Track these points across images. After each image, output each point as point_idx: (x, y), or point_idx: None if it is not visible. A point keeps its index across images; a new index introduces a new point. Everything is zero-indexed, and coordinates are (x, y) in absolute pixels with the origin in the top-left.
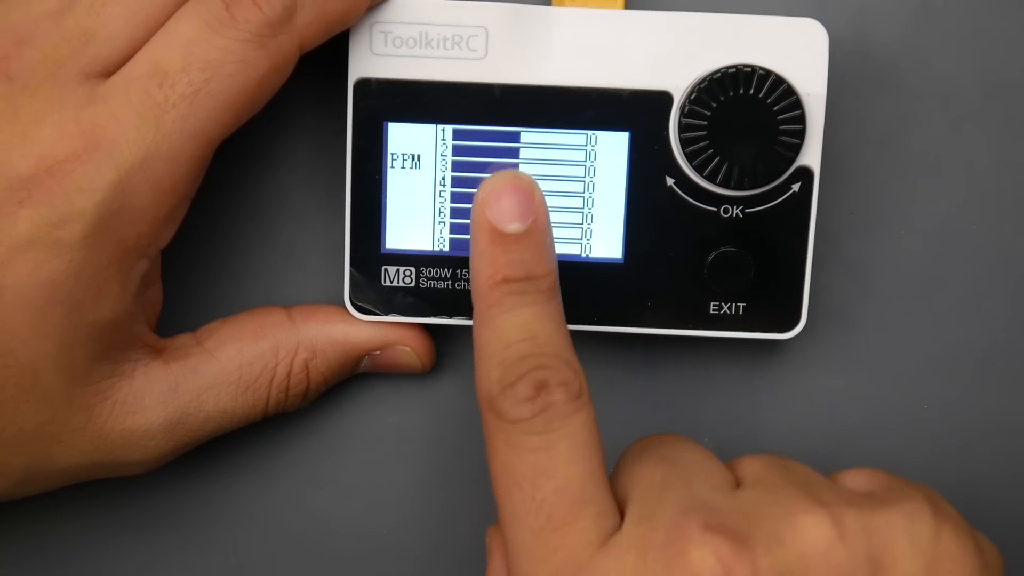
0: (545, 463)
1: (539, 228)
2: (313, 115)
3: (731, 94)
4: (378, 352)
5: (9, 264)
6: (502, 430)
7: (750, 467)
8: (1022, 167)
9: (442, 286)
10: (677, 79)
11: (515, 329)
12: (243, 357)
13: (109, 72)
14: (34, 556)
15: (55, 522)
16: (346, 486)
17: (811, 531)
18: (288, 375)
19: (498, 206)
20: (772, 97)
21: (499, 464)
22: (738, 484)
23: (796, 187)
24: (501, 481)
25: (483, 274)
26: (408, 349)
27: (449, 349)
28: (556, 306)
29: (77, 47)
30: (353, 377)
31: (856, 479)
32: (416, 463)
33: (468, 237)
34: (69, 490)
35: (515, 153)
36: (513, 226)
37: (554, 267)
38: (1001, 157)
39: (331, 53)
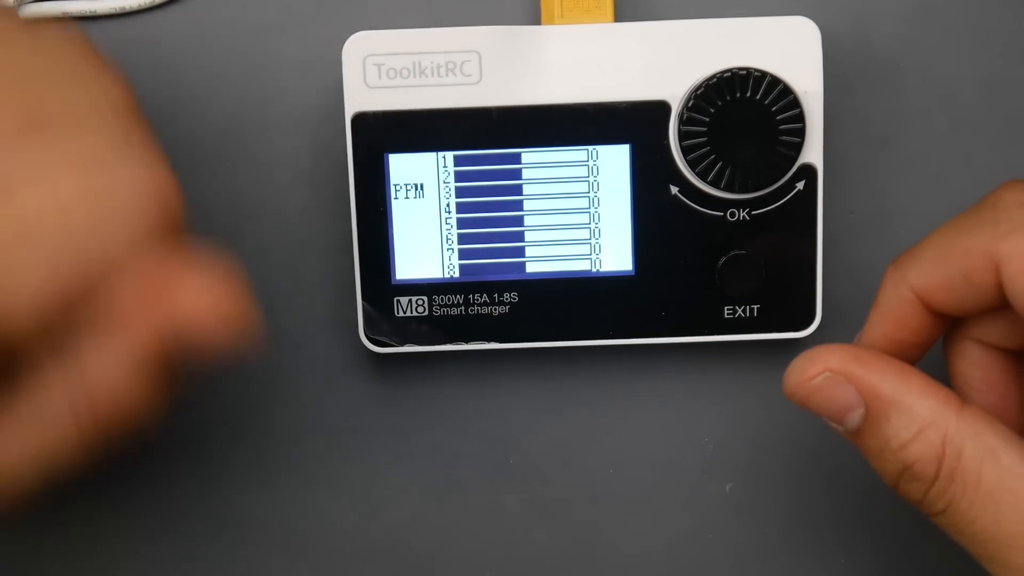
0: None
1: None
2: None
3: (728, 98)
4: None
5: None
6: None
7: None
8: (1022, 167)
9: (455, 312)
10: (673, 88)
11: None
12: None
13: None
14: (36, 558)
15: (57, 524)
16: (346, 486)
17: None
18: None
19: None
20: (769, 97)
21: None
22: None
23: (800, 185)
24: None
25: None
26: None
27: (449, 352)
28: None
29: None
30: (352, 375)
31: None
32: (416, 463)
33: (477, 262)
34: (70, 493)
35: (518, 174)
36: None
37: None
38: (1001, 157)
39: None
